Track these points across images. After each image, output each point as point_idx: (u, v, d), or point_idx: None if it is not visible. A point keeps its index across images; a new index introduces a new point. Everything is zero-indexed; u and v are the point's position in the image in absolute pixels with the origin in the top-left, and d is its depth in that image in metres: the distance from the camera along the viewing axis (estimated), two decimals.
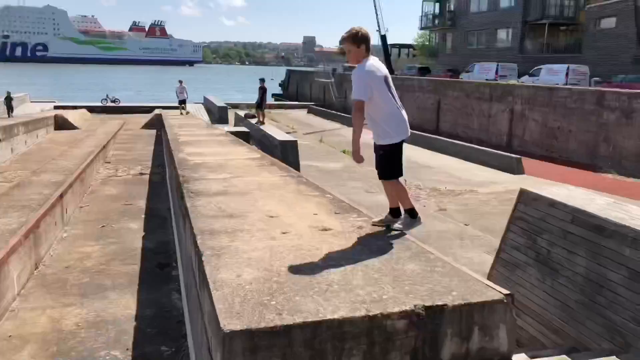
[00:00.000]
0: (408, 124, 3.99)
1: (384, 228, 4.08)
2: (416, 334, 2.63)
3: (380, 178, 4.03)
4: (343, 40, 3.88)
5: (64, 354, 4.53)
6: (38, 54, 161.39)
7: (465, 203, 10.80)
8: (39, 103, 32.61)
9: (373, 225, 4.18)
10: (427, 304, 2.68)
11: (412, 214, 4.06)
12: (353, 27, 3.89)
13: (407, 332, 2.62)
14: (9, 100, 25.34)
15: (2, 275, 5.26)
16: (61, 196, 8.51)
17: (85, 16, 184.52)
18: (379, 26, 38.00)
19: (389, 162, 3.93)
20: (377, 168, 3.99)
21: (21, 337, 4.83)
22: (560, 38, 35.24)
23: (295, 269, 3.27)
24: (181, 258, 6.65)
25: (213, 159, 8.44)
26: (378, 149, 3.93)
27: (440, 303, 2.69)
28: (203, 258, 3.55)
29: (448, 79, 30.87)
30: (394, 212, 4.13)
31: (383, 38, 38.19)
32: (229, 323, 2.54)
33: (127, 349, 4.63)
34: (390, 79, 3.93)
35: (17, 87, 33.95)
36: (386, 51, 38.70)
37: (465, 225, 8.83)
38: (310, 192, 5.79)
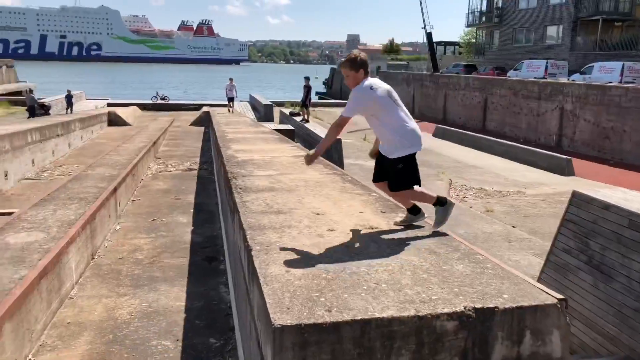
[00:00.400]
0: (421, 135, 4.01)
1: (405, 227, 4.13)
2: (466, 335, 2.60)
3: (394, 190, 4.03)
4: (342, 65, 4.00)
5: (119, 342, 4.69)
6: (92, 53, 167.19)
7: (512, 204, 10.54)
8: (93, 100, 33.81)
9: (395, 225, 4.22)
10: (477, 305, 2.65)
11: (439, 202, 4.08)
12: (352, 51, 4.03)
13: (456, 333, 2.59)
14: (69, 98, 26.47)
15: (62, 264, 5.50)
16: (115, 190, 8.80)
17: (136, 16, 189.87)
18: (424, 23, 37.47)
19: (407, 174, 3.94)
20: (391, 181, 4.00)
21: (79, 324, 5.04)
22: (614, 34, 33.84)
23: (343, 267, 3.28)
24: (229, 252, 6.78)
25: (260, 156, 8.56)
26: (396, 162, 3.91)
27: (491, 305, 2.65)
28: (252, 253, 3.61)
29: (495, 76, 30.18)
30: (413, 210, 4.17)
31: (429, 35, 37.65)
32: (279, 318, 2.58)
33: (177, 340, 4.76)
34: (395, 94, 4.01)
35: (74, 85, 35.25)
36: (432, 49, 38.12)
37: (513, 227, 8.62)
38: (356, 190, 5.79)
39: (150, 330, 4.92)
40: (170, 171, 13.47)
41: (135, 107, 29.14)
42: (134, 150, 13.72)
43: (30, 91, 25.19)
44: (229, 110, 23.66)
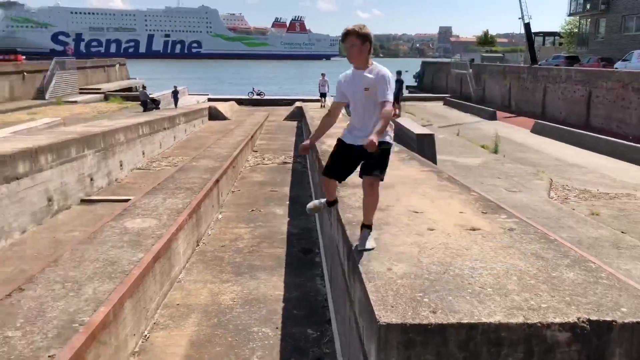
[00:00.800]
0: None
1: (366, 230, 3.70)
2: (579, 349, 2.48)
3: (379, 176, 3.51)
4: (350, 33, 3.51)
5: (222, 326, 4.94)
6: (193, 50, 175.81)
7: (621, 208, 9.78)
8: (195, 96, 35.59)
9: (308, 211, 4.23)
10: (593, 317, 2.51)
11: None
12: (358, 24, 3.60)
13: (569, 345, 2.47)
14: (175, 93, 28.11)
15: (172, 249, 5.87)
16: (217, 181, 9.24)
17: (233, 14, 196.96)
18: (522, 13, 35.56)
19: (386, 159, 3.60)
20: (376, 167, 3.48)
21: (187, 306, 5.37)
22: None
23: (445, 268, 3.23)
24: (324, 245, 6.90)
25: None
26: (380, 145, 3.34)
27: (608, 319, 2.50)
28: (353, 249, 3.66)
29: (601, 68, 28.09)
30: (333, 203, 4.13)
31: (527, 26, 35.68)
32: (384, 315, 2.59)
33: (277, 328, 4.93)
34: None
35: (177, 81, 37.31)
36: (530, 39, 36.12)
37: (623, 232, 8.01)
38: (454, 189, 5.66)
39: (252, 317, 5.14)
40: (266, 164, 13.90)
41: (233, 102, 30.31)
42: (233, 143, 14.29)
43: (144, 87, 27.04)
44: (321, 105, 23.93)
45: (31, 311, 3.87)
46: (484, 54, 54.02)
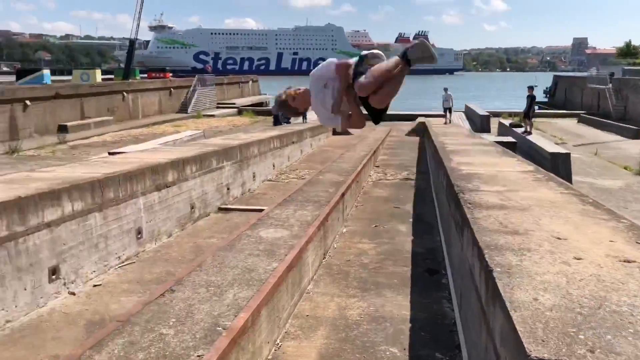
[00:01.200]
0: None
1: None
2: None
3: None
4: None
5: (350, 341, 4.96)
6: None
7: None
8: None
9: None
10: None
11: None
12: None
13: None
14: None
15: (302, 260, 6.04)
16: (343, 195, 9.37)
17: (357, 31, 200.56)
18: None
19: None
20: None
21: (315, 318, 5.47)
22: None
23: (599, 303, 2.94)
24: (451, 266, 6.67)
25: (483, 169, 8.24)
26: None
27: None
28: (494, 274, 3.47)
29: None
30: None
31: None
32: (535, 350, 2.41)
33: (404, 349, 4.83)
34: None
35: None
36: None
37: None
38: (600, 214, 5.18)
39: (378, 335, 5.09)
40: (389, 180, 13.84)
41: None
42: (357, 158, 14.45)
43: (275, 102, 28.45)
44: (445, 121, 23.42)
45: (181, 311, 4.18)
46: (627, 67, 49.31)
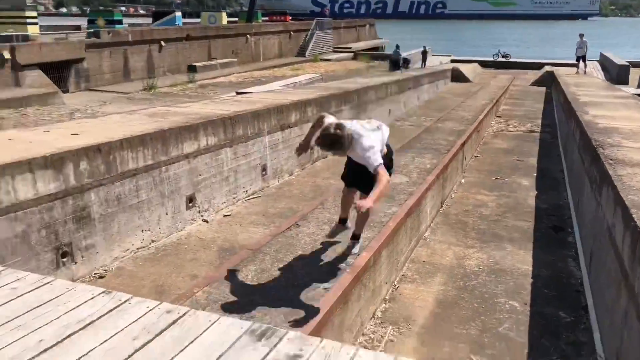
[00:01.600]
0: None
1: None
2: None
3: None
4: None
5: (468, 290, 4.87)
6: (437, 11, 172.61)
7: None
8: (438, 57, 35.07)
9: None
10: None
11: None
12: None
13: None
14: (424, 54, 28.01)
15: (421, 207, 5.96)
16: (463, 144, 9.01)
17: None
18: None
19: None
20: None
21: (433, 264, 5.43)
22: None
23: None
24: (580, 225, 6.22)
25: (623, 124, 7.46)
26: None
27: None
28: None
29: None
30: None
31: None
32: None
33: (525, 304, 4.66)
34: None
35: (420, 42, 37.11)
36: None
37: None
38: None
39: (498, 287, 4.94)
40: (510, 131, 13.05)
41: (476, 64, 29.02)
42: (477, 107, 13.74)
43: (397, 47, 27.47)
44: (577, 71, 21.31)
45: (307, 245, 4.34)
46: None
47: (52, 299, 2.66)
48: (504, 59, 33.38)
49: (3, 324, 2.40)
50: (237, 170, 7.10)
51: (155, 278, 4.92)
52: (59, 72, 17.29)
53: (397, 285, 4.95)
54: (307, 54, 32.74)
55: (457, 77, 23.73)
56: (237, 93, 13.16)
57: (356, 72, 25.96)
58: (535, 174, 9.12)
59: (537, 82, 23.58)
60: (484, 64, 30.72)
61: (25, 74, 15.72)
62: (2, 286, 2.79)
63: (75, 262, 4.79)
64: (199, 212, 6.48)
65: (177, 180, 6.04)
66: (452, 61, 30.32)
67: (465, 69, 25.00)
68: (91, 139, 5.09)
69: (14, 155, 4.34)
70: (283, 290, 3.56)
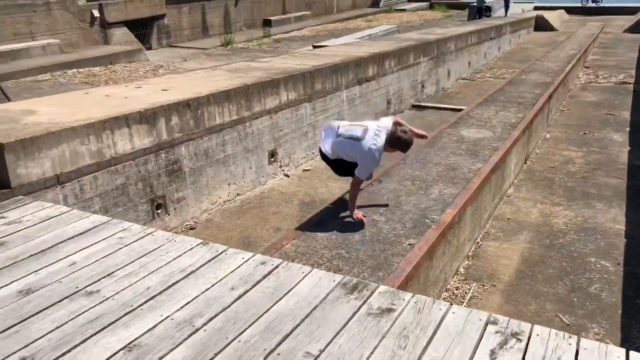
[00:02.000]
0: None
1: None
2: None
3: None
4: None
5: (555, 249, 4.65)
6: None
7: None
8: (519, 4, 32.71)
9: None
10: None
11: None
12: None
13: None
14: (507, 1, 26.06)
15: (505, 163, 5.69)
16: (549, 97, 8.45)
17: None
18: None
19: None
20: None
21: (517, 222, 5.21)
22: None
23: None
24: None
25: None
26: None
27: None
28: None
29: None
30: None
31: None
32: None
33: (618, 264, 4.39)
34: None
35: None
36: None
37: None
38: None
39: (587, 247, 4.68)
40: (600, 83, 12.07)
41: (562, 11, 26.84)
42: (564, 57, 12.79)
43: None
44: None
45: (390, 201, 4.28)
46: None
47: (155, 249, 2.80)
48: (593, 4, 30.63)
49: (114, 272, 2.56)
50: (315, 125, 7.08)
51: (242, 230, 5.07)
52: (142, 29, 17.82)
53: (480, 242, 4.81)
54: (381, 5, 31.63)
55: (541, 25, 22.12)
56: (314, 47, 12.98)
57: (433, 22, 24.83)
58: (628, 129, 8.44)
59: (632, 29, 21.55)
60: (570, 11, 28.38)
61: (113, 32, 16.33)
62: (110, 236, 2.97)
63: (169, 214, 5.03)
64: (280, 166, 6.57)
65: (260, 135, 6.12)
66: (536, 8, 28.23)
67: (549, 16, 23.20)
68: (180, 95, 5.23)
69: (112, 111, 4.54)
70: (368, 245, 3.55)
